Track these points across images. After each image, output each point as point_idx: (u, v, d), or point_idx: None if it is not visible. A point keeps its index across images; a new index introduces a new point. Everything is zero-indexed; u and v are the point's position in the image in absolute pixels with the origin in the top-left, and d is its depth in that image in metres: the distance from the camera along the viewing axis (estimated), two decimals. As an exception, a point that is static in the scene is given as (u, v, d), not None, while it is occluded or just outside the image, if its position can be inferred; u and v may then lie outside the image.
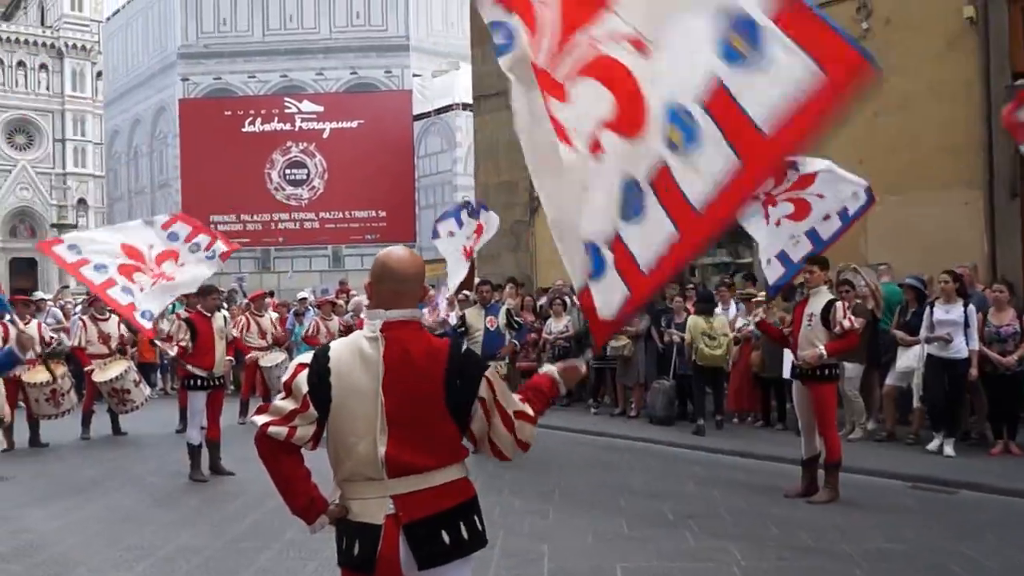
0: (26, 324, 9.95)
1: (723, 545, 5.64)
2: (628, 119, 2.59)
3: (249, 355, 11.62)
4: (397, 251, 2.63)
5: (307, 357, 2.56)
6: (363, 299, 15.55)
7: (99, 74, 58.21)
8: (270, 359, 11.59)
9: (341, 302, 14.45)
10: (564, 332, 12.17)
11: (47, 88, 65.27)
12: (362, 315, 13.81)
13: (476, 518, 2.58)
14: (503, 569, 5.16)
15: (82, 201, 64.10)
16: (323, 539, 5.77)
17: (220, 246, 7.93)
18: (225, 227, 28.14)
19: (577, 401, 12.48)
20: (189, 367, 8.10)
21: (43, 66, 65.27)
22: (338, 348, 2.55)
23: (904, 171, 10.35)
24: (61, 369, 9.79)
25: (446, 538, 2.49)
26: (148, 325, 7.51)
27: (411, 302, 2.58)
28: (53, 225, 55.08)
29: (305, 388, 2.49)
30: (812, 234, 6.33)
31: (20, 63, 64.63)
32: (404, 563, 2.47)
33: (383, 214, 29.06)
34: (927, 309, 8.62)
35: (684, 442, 9.49)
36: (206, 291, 8.28)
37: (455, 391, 2.50)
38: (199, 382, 8.10)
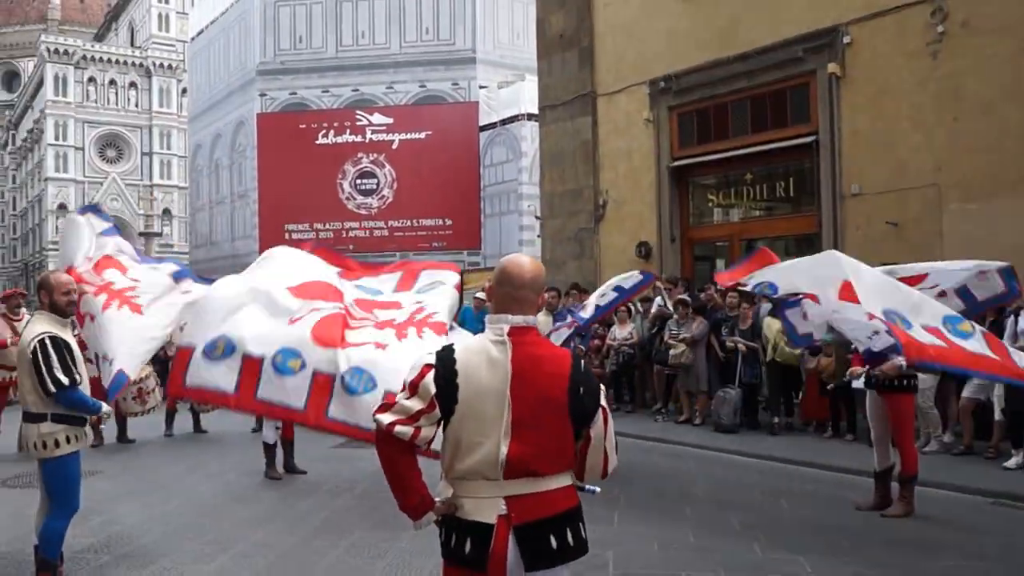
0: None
1: (792, 557, 5.46)
2: None
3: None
4: (517, 257, 2.66)
5: (432, 358, 2.56)
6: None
7: (184, 91, 60.10)
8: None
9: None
10: (628, 339, 12.04)
11: (136, 105, 67.64)
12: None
13: (581, 525, 2.59)
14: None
15: (167, 211, 66.26)
16: (391, 538, 5.83)
17: None
18: (299, 235, 28.66)
19: (642, 408, 12.31)
20: None
21: (132, 84, 67.66)
22: (464, 350, 2.56)
23: (983, 176, 9.94)
24: (147, 369, 10.04)
25: (553, 542, 2.50)
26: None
27: (530, 308, 2.60)
28: (141, 233, 56.98)
29: (433, 389, 2.50)
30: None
31: (112, 81, 67.12)
32: (511, 563, 2.48)
33: (450, 222, 29.24)
34: (1010, 318, 8.24)
35: (751, 451, 9.25)
36: None
37: (579, 398, 2.52)
38: None
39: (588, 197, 14.95)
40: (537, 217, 22.41)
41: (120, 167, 67.04)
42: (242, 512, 6.83)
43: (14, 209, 79.51)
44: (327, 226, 29.58)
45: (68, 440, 4.70)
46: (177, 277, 5.42)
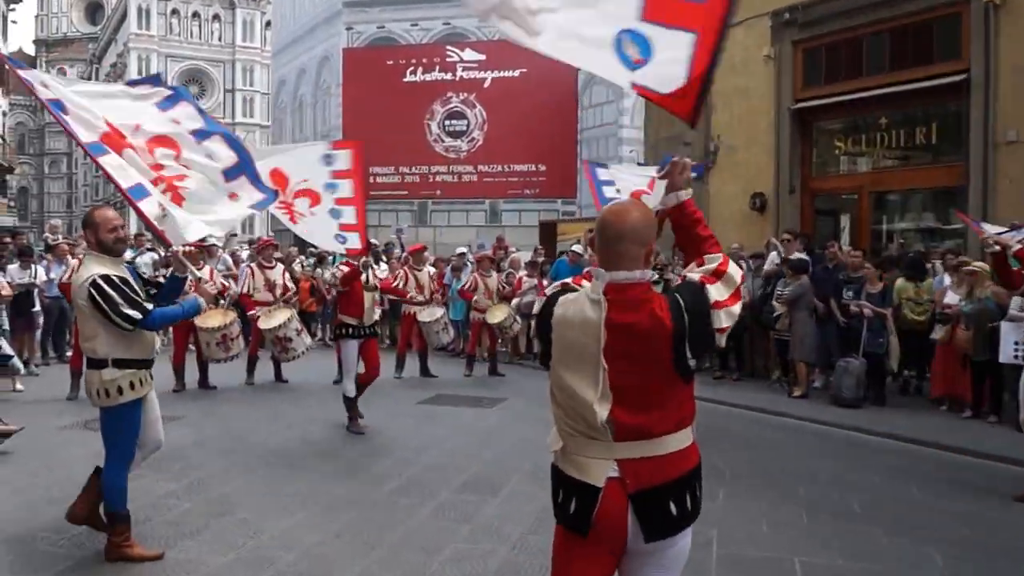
0: (200, 270, 10.66)
1: (919, 548, 5.25)
2: None
3: (406, 308, 11.94)
4: (618, 205, 2.65)
5: (538, 306, 2.69)
6: (521, 256, 15.67)
7: (268, 24, 61.24)
8: (428, 314, 11.87)
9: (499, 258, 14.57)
10: (737, 299, 11.77)
11: (219, 39, 69.42)
12: (519, 273, 14.07)
13: (698, 486, 2.63)
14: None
15: (249, 150, 68.07)
16: (477, 503, 5.89)
17: (355, 236, 7.39)
18: (384, 179, 29.06)
19: (751, 376, 12.06)
20: (340, 316, 8.53)
21: (216, 16, 69.38)
22: (564, 304, 2.61)
23: None
24: (231, 315, 10.37)
25: (673, 509, 2.53)
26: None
27: (633, 262, 2.55)
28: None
29: (534, 334, 2.72)
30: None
31: (195, 14, 68.99)
32: (631, 533, 2.52)
33: (543, 168, 29.08)
34: None
35: (875, 428, 8.93)
36: (369, 246, 8.65)
37: (683, 354, 2.51)
38: (350, 330, 8.42)
39: (699, 144, 14.56)
40: (640, 164, 21.99)
41: (203, 104, 68.86)
42: (323, 466, 7.02)
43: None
44: (413, 170, 29.88)
45: (132, 386, 4.77)
46: (230, 175, 5.31)
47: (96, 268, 4.70)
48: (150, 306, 4.72)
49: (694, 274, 2.63)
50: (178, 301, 5.05)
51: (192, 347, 11.00)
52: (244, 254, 16.15)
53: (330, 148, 7.32)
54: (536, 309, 2.68)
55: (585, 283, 2.62)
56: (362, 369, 8.58)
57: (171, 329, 11.48)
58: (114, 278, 4.65)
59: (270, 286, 11.33)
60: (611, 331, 2.48)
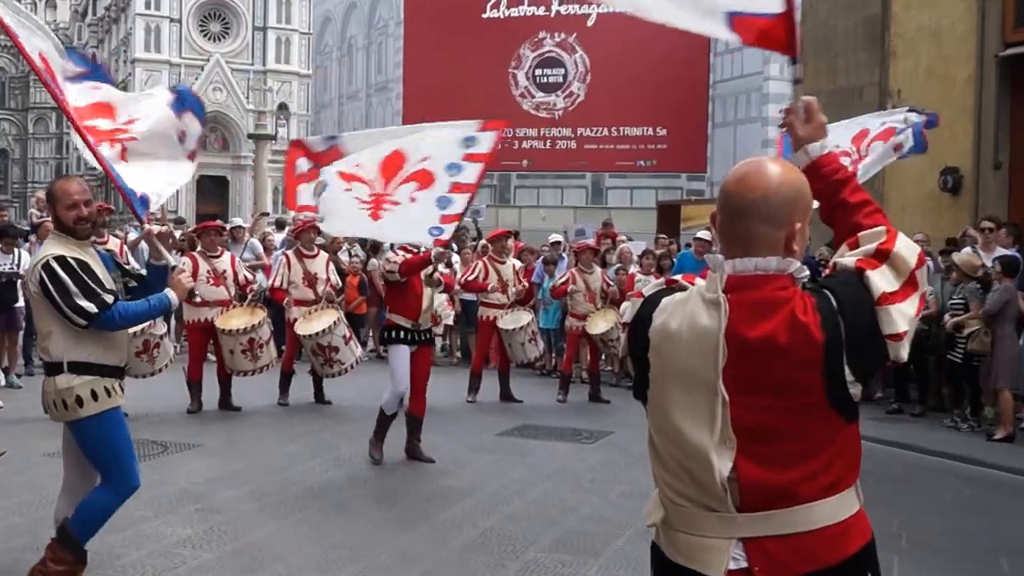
0: (219, 258, 11.00)
1: None
2: None
3: (484, 313, 12.06)
4: (745, 166, 2.43)
5: (630, 313, 2.52)
6: (633, 246, 15.65)
7: (309, -56, 62.35)
8: (512, 320, 11.96)
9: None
10: (924, 309, 11.56)
11: (247, -37, 70.81)
12: (631, 269, 14.05)
13: (871, 574, 2.41)
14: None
15: (283, 106, 69.27)
16: (573, 566, 5.95)
17: (450, 227, 7.87)
18: (455, 144, 29.32)
19: (938, 411, 11.82)
20: (391, 316, 8.73)
21: (243, -66, 70.81)
22: (666, 309, 2.42)
23: None
24: (260, 315, 10.60)
25: None
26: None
27: (770, 246, 2.34)
28: (250, 136, 59.61)
29: (627, 351, 2.54)
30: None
31: (218, -69, 70.55)
32: None
33: (663, 132, 28.97)
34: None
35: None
36: None
37: (840, 377, 2.27)
38: (401, 334, 8.61)
39: (871, 99, 14.33)
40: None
41: (225, 46, 70.74)
42: (376, 511, 7.19)
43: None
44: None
45: (95, 395, 4.90)
46: (177, 108, 5.83)
47: (53, 250, 4.88)
48: (110, 298, 4.82)
49: (847, 259, 2.38)
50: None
51: (212, 356, 11.32)
52: (278, 238, 16.55)
53: (477, 130, 7.72)
54: (628, 316, 2.51)
55: (700, 281, 2.42)
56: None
57: (185, 332, 11.85)
58: (71, 260, 4.79)
59: (310, 280, 11.56)
60: (735, 346, 2.28)
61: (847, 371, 2.27)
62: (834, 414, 2.32)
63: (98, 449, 5.00)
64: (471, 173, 7.56)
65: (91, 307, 4.74)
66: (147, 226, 5.37)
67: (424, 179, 7.48)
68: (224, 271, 10.86)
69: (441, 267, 9.07)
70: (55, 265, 4.75)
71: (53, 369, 4.95)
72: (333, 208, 7.66)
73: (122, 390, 5.12)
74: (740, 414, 2.30)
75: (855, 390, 2.30)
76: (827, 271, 2.44)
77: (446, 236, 7.80)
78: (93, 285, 4.80)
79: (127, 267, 5.77)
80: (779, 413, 2.29)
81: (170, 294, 5.16)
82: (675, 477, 2.41)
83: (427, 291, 8.73)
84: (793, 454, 2.30)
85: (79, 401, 4.87)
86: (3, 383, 11.44)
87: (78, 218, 4.94)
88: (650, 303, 2.46)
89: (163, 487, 7.50)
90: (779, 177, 2.38)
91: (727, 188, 2.41)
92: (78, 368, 4.88)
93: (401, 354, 8.68)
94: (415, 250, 8.58)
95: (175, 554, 6.04)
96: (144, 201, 5.38)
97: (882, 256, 2.35)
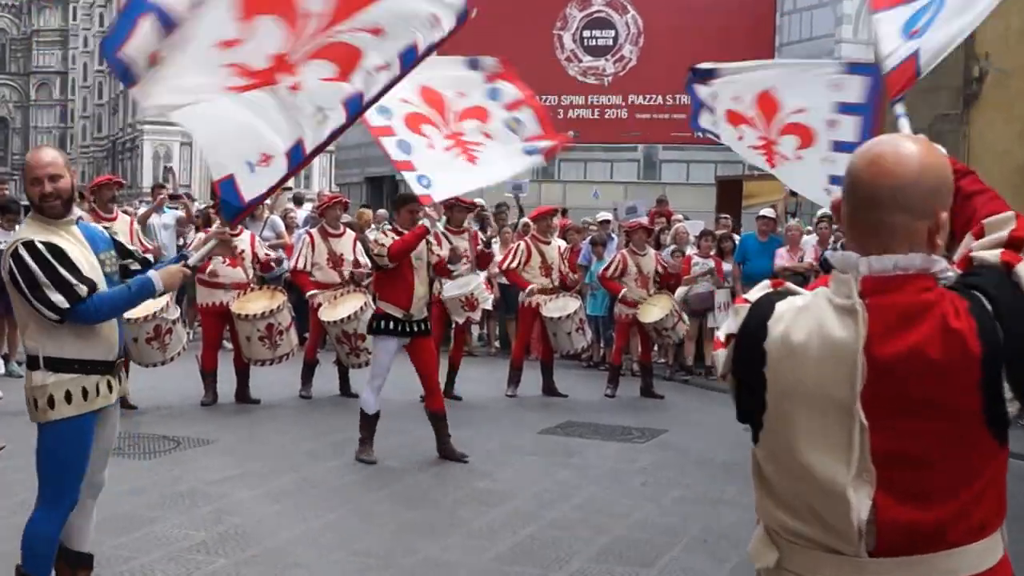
0: (237, 236, 11.02)
1: None
2: None
3: (526, 294, 12.00)
4: (879, 146, 2.30)
5: (737, 322, 2.36)
6: (690, 226, 15.56)
7: None
8: (557, 307, 11.91)
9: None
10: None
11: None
12: (688, 251, 13.98)
13: None
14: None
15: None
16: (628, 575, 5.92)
17: (545, 142, 8.11)
18: (494, 113, 29.30)
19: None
20: (381, 304, 8.77)
21: None
22: (786, 315, 2.27)
23: None
24: (280, 299, 10.62)
25: None
26: (423, 191, 7.96)
27: (910, 241, 2.21)
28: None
29: (729, 367, 2.36)
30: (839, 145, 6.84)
31: None
32: None
33: (724, 100, 28.78)
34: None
35: None
36: (404, 200, 8.87)
37: (999, 394, 2.13)
38: (391, 325, 8.61)
39: (954, 65, 14.14)
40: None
41: None
42: (407, 515, 7.19)
43: (101, 63, 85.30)
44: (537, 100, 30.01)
45: (69, 397, 4.68)
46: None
47: (27, 233, 4.72)
48: (84, 290, 4.59)
49: (986, 253, 2.24)
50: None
51: (228, 344, 11.37)
52: (300, 215, 16.58)
53: (487, 81, 8.07)
54: (734, 327, 2.36)
55: (822, 291, 2.27)
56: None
57: (200, 317, 11.90)
58: (40, 246, 4.59)
59: (336, 261, 11.57)
60: (875, 361, 2.13)
61: (1006, 385, 2.12)
62: (988, 438, 2.18)
63: (48, 459, 4.79)
64: (511, 90, 7.89)
65: (62, 301, 4.53)
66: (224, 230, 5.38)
67: (480, 114, 7.73)
68: (242, 251, 10.86)
69: (441, 243, 9.16)
70: (23, 252, 4.57)
71: (31, 363, 4.76)
72: (430, 165, 7.83)
73: (111, 388, 4.87)
74: (879, 441, 2.15)
75: (1012, 408, 2.15)
76: (956, 265, 2.29)
77: (550, 143, 8.15)
78: (66, 274, 4.57)
79: (131, 247, 5.46)
80: (926, 438, 2.15)
81: (155, 278, 4.88)
82: (792, 514, 2.28)
83: (421, 277, 8.76)
84: (942, 487, 2.17)
85: (51, 402, 4.67)
86: (3, 371, 11.53)
87: (42, 195, 4.70)
88: (760, 309, 2.31)
89: (175, 486, 7.55)
90: (920, 159, 2.24)
91: (856, 173, 2.28)
92: (55, 365, 4.69)
93: (386, 348, 8.70)
94: (403, 231, 8.59)
95: (187, 559, 6.07)
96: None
97: (1017, 244, 2.23)
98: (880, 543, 2.17)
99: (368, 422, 8.71)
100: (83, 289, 4.58)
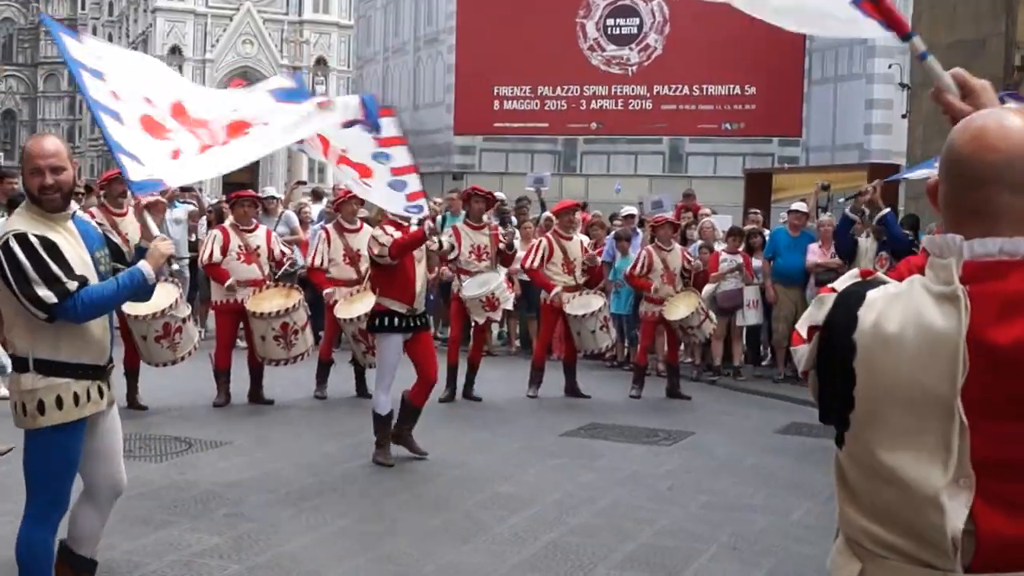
0: (252, 232, 11.05)
1: None
2: None
3: (552, 296, 11.98)
4: (982, 118, 2.16)
5: (822, 312, 2.22)
6: (717, 221, 15.52)
7: None
8: (580, 304, 11.89)
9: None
10: None
11: (280, -103, 71.18)
12: (716, 247, 13.94)
13: None
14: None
15: (321, 61, 69.63)
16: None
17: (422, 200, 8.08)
18: (515, 104, 29.28)
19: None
20: (382, 299, 8.73)
21: None
22: (875, 306, 2.12)
23: None
24: (296, 297, 10.63)
25: None
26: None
27: (1017, 221, 2.05)
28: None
29: (812, 364, 2.24)
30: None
31: None
32: None
33: (752, 91, 28.71)
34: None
35: None
36: None
37: None
38: (395, 321, 8.62)
39: (996, 53, 14.07)
40: (904, 86, 21.46)
41: (257, -6, 71.06)
42: (426, 520, 7.18)
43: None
44: (560, 91, 30.00)
45: (60, 403, 4.61)
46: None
47: (17, 224, 4.62)
48: (73, 285, 4.49)
49: None
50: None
51: (242, 342, 11.38)
52: (315, 210, 16.60)
53: (360, 117, 7.26)
54: (819, 318, 2.22)
55: (917, 278, 2.14)
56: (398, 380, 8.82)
57: (213, 316, 11.93)
58: (32, 239, 4.49)
59: (352, 257, 11.56)
60: (979, 354, 1.99)
61: None
62: None
63: (38, 467, 4.71)
64: (401, 156, 7.56)
65: (50, 296, 4.42)
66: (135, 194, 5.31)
67: (364, 171, 7.50)
68: (258, 247, 10.87)
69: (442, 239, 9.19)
70: (14, 245, 4.46)
71: (18, 365, 4.69)
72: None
73: (102, 394, 4.79)
74: (980, 444, 2.01)
75: None
76: None
77: (426, 212, 8.20)
78: (56, 270, 4.47)
79: (124, 250, 5.30)
80: None
81: (143, 267, 4.76)
82: (879, 523, 2.15)
83: (422, 270, 8.81)
84: None
85: (40, 408, 4.59)
86: (9, 370, 11.58)
87: (42, 187, 4.58)
88: (849, 298, 2.17)
89: (187, 490, 7.56)
90: None
91: (957, 149, 2.13)
92: (45, 368, 4.61)
93: (392, 345, 8.70)
94: (404, 224, 8.57)
95: (200, 564, 6.07)
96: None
97: None
98: (978, 558, 2.03)
99: (382, 423, 8.71)
100: (73, 285, 4.48)
